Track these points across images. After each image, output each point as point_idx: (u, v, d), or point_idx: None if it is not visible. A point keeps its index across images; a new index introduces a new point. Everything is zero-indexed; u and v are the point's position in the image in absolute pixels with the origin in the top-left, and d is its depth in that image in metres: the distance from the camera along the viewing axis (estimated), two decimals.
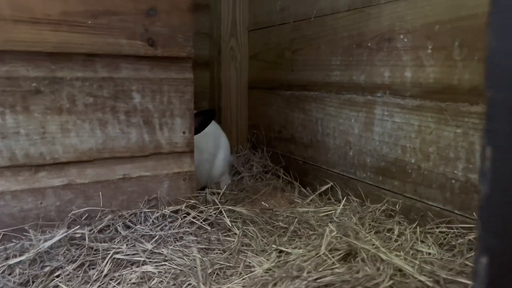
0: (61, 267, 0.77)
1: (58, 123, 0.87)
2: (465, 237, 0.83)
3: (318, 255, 0.71)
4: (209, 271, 0.79)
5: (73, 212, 0.90)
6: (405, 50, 1.00)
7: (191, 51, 0.99)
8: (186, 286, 0.75)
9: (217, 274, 0.80)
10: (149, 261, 0.83)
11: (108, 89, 0.91)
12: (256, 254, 0.84)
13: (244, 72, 1.78)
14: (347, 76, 1.19)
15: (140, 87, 0.95)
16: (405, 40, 1.00)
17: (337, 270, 0.64)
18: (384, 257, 0.70)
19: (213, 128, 1.41)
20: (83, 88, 0.89)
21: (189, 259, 0.83)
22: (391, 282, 0.62)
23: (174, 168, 1.02)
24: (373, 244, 0.77)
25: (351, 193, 1.18)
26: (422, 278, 0.63)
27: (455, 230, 0.87)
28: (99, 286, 0.76)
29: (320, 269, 0.65)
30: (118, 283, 0.76)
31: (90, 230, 0.87)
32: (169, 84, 0.98)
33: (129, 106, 0.94)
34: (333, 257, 0.71)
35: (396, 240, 0.86)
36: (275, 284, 0.61)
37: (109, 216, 0.92)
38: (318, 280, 0.60)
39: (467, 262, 0.74)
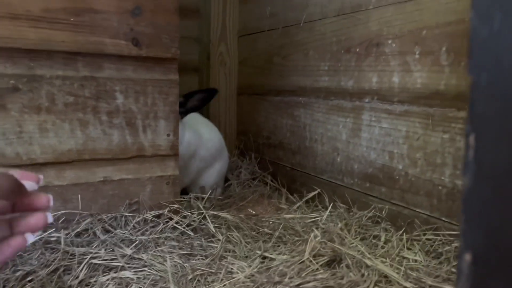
0: (34, 272, 0.74)
1: (36, 123, 0.85)
2: (452, 244, 0.81)
3: (302, 260, 0.69)
4: (190, 277, 0.76)
5: None
6: (393, 55, 0.99)
7: (176, 52, 0.97)
8: None
9: (198, 280, 0.77)
10: (128, 267, 0.80)
11: (89, 89, 0.89)
12: (239, 260, 0.82)
13: (233, 78, 1.77)
14: (335, 81, 1.18)
15: (123, 87, 0.93)
16: (393, 45, 0.99)
17: (320, 276, 0.62)
18: (369, 263, 0.68)
19: (221, 139, 1.40)
20: (63, 87, 0.86)
21: (169, 265, 0.80)
22: None
23: (157, 172, 1.00)
24: (359, 251, 0.75)
25: (339, 200, 1.16)
26: (408, 285, 0.61)
27: (442, 238, 0.85)
28: None
29: (303, 275, 0.63)
30: None
31: (66, 234, 0.84)
32: (153, 85, 0.96)
33: (112, 106, 0.92)
34: (317, 262, 0.69)
35: (382, 247, 0.84)
36: None
37: (88, 220, 0.89)
38: (300, 286, 0.58)
39: (453, 270, 0.73)
